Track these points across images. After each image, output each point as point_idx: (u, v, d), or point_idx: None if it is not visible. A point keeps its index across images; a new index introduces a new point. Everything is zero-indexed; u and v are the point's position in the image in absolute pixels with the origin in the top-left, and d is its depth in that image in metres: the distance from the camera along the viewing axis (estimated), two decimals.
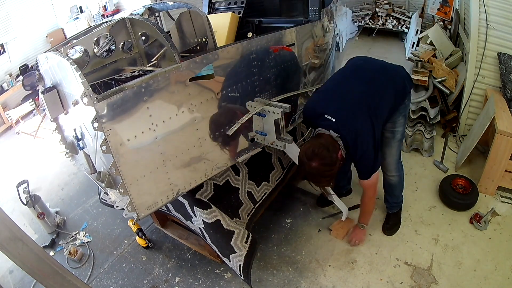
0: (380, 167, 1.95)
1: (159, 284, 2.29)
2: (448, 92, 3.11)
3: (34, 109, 5.04)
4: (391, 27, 5.73)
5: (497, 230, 2.31)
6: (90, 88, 1.29)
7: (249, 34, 2.20)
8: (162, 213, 2.38)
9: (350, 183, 2.73)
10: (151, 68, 1.80)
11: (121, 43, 1.94)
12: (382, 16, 5.82)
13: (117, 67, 1.97)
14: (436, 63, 3.22)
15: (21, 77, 4.66)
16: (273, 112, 1.77)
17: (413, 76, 3.05)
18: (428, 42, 3.86)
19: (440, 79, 3.07)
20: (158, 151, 1.54)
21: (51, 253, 2.65)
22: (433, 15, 4.53)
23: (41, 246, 2.36)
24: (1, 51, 5.05)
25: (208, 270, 2.32)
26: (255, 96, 1.87)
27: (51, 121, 1.98)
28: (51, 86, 1.72)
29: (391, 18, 5.75)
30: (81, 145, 1.75)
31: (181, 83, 1.55)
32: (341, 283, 2.13)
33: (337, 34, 2.88)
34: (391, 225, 2.40)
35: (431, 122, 2.92)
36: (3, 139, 4.79)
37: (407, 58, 4.39)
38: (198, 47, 2.03)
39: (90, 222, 2.90)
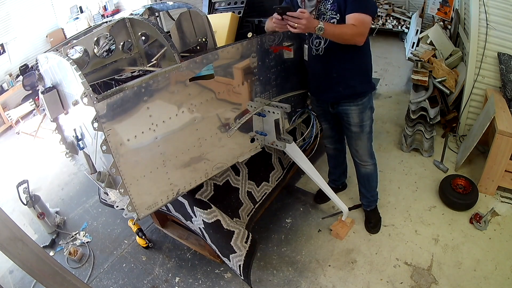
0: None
1: (159, 284, 2.29)
2: (448, 92, 3.11)
3: (34, 109, 5.05)
4: (391, 27, 5.72)
5: (497, 230, 2.31)
6: (90, 88, 1.28)
7: (249, 34, 2.20)
8: (162, 213, 2.38)
9: (345, 176, 2.75)
10: (151, 68, 1.80)
11: (121, 43, 1.94)
12: (382, 16, 5.81)
13: (117, 67, 1.97)
14: (436, 63, 3.22)
15: (21, 77, 4.66)
16: (273, 112, 1.77)
17: (413, 76, 3.06)
18: (428, 42, 3.86)
19: (440, 79, 3.07)
20: (158, 151, 1.54)
21: (51, 253, 2.65)
22: (433, 15, 4.53)
23: (41, 246, 2.37)
24: (1, 51, 5.05)
25: (208, 270, 2.32)
26: None
27: (51, 121, 1.98)
28: (51, 86, 1.72)
29: (391, 18, 5.75)
30: (81, 145, 1.75)
31: (181, 83, 1.55)
32: (341, 283, 2.13)
33: None
34: (374, 223, 2.42)
35: (431, 122, 2.92)
36: (3, 139, 4.79)
37: (407, 58, 4.40)
38: (198, 47, 2.03)
39: (90, 222, 2.90)
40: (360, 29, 1.69)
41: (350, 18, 1.69)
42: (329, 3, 1.77)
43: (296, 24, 1.55)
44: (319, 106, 2.21)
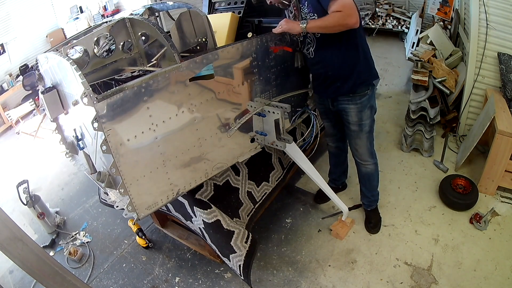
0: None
1: (159, 284, 2.29)
2: (448, 92, 3.11)
3: (34, 109, 5.05)
4: (391, 27, 5.72)
5: (497, 230, 2.31)
6: (90, 88, 1.29)
7: (249, 34, 2.20)
8: (162, 213, 2.38)
9: (346, 176, 2.75)
10: (151, 68, 1.80)
11: (121, 43, 1.94)
12: (382, 16, 5.82)
13: (117, 67, 1.97)
14: (436, 63, 3.22)
15: (21, 77, 4.66)
16: (273, 112, 1.77)
17: (413, 76, 3.06)
18: (428, 42, 3.85)
19: (440, 79, 3.07)
20: (158, 151, 1.54)
21: (51, 253, 2.65)
22: (433, 15, 4.53)
23: (41, 246, 2.37)
24: (1, 51, 5.05)
25: (208, 270, 2.32)
26: None
27: (51, 121, 1.98)
28: (51, 86, 1.72)
29: (391, 18, 5.75)
30: (81, 145, 1.75)
31: (181, 83, 1.55)
32: (341, 283, 2.13)
33: None
34: (374, 223, 2.42)
35: (431, 122, 2.92)
36: (3, 139, 4.79)
37: (407, 58, 4.40)
38: (198, 47, 2.03)
39: (90, 222, 2.90)
40: (346, 11, 1.65)
41: (331, 9, 1.68)
42: (305, 7, 1.81)
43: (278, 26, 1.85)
44: (321, 103, 2.22)
